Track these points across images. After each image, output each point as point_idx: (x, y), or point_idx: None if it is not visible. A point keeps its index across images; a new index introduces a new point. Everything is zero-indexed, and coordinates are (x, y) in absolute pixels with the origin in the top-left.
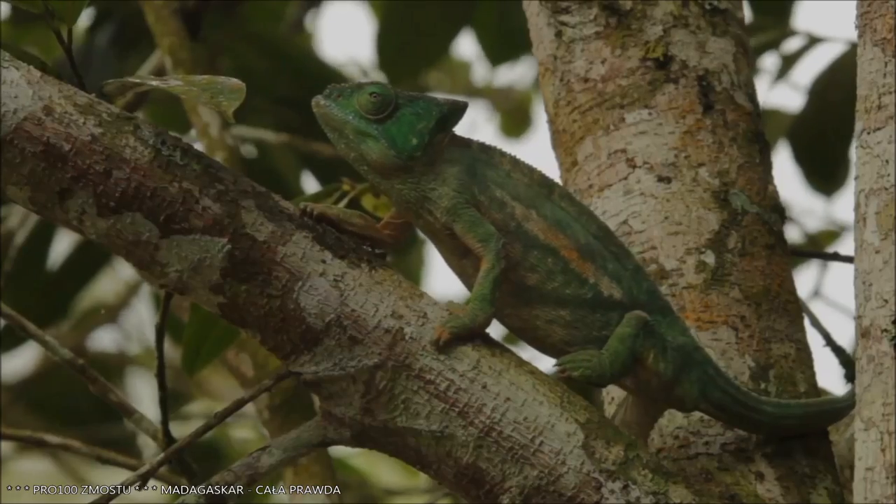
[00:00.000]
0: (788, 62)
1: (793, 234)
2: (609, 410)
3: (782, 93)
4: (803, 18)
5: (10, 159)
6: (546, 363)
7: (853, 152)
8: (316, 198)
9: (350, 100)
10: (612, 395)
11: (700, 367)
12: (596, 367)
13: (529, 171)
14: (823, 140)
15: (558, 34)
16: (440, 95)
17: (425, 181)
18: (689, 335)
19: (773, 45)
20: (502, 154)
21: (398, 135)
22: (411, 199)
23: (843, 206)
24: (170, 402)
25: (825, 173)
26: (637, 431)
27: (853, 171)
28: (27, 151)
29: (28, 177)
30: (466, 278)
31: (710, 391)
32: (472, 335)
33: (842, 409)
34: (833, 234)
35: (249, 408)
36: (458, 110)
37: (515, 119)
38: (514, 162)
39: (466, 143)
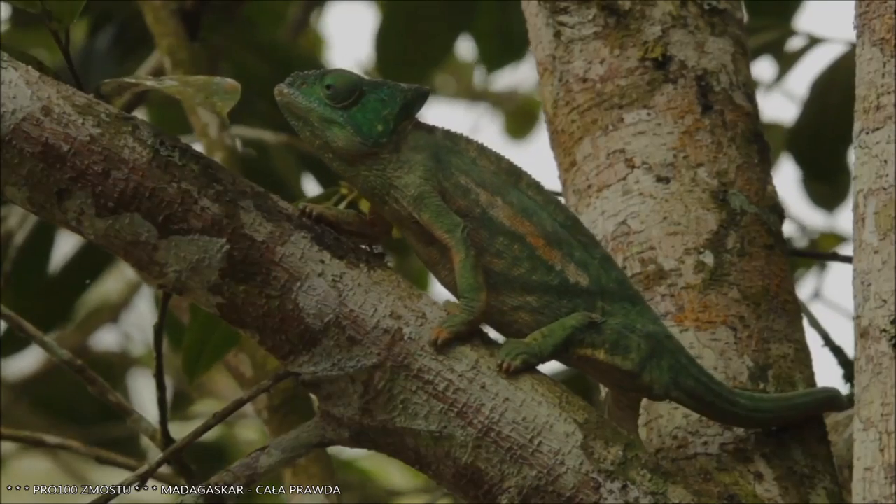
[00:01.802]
0: (788, 63)
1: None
2: None
3: (777, 102)
4: (802, 20)
5: (8, 160)
6: None
7: (852, 155)
8: (314, 202)
9: (314, 87)
10: None
11: (672, 355)
12: (528, 350)
13: (497, 159)
14: (823, 142)
15: (557, 34)
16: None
17: (391, 168)
18: (659, 324)
19: (774, 45)
20: (468, 141)
21: (364, 121)
22: (377, 186)
23: (846, 218)
24: (173, 403)
25: (825, 177)
26: (624, 427)
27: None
28: (26, 152)
29: (27, 177)
30: (433, 266)
31: (683, 379)
32: (472, 328)
33: (816, 401)
34: (835, 238)
35: (252, 408)
36: (421, 96)
37: (519, 120)
38: (481, 149)
39: (430, 130)
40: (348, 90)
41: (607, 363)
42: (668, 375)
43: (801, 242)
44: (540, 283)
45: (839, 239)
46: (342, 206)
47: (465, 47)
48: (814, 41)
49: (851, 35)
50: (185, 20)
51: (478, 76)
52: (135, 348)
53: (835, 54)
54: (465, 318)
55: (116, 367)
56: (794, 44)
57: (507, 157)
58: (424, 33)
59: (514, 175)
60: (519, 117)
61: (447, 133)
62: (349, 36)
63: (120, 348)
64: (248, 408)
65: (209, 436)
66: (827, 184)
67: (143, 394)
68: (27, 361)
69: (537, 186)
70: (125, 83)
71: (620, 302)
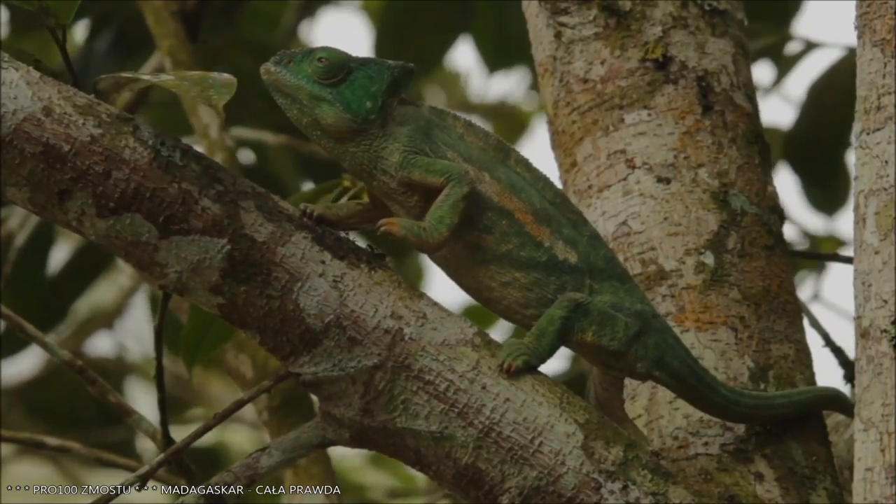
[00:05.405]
0: (785, 67)
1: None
2: None
3: (774, 105)
4: (799, 24)
5: (9, 160)
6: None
7: (851, 158)
8: (316, 194)
9: (301, 65)
10: None
11: (659, 334)
12: (529, 351)
13: (485, 136)
14: (820, 147)
15: (557, 35)
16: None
17: (378, 143)
18: (647, 302)
19: (772, 49)
20: (456, 118)
21: (353, 98)
22: (365, 161)
23: (846, 221)
24: (169, 406)
25: (822, 182)
26: (608, 407)
27: (852, 183)
28: (26, 152)
29: (27, 178)
30: None
31: (669, 359)
32: (422, 246)
33: (801, 402)
34: (836, 242)
35: (247, 411)
36: (408, 72)
37: (509, 131)
38: (469, 126)
39: (417, 106)
40: (336, 67)
41: (595, 344)
42: (654, 354)
43: (801, 247)
44: (528, 260)
45: (839, 243)
46: (345, 199)
47: (457, 57)
48: (811, 46)
49: (848, 40)
50: (186, 22)
51: (469, 87)
52: (129, 355)
53: (832, 59)
54: (420, 233)
55: (111, 373)
56: (791, 48)
57: (495, 135)
58: (420, 39)
59: (503, 152)
60: (509, 128)
61: (434, 109)
62: (340, 43)
63: (114, 355)
64: (242, 412)
65: (204, 440)
66: (824, 189)
67: (139, 400)
68: (23, 366)
69: (526, 164)
70: (122, 78)
71: (609, 280)
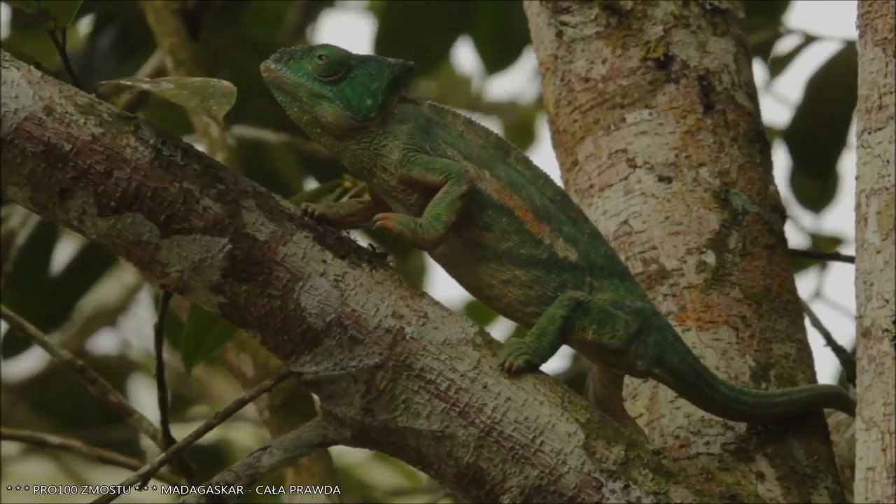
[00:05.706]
0: (779, 65)
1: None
2: None
3: (769, 105)
4: (797, 18)
5: (10, 159)
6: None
7: (846, 157)
8: (316, 194)
9: (302, 63)
10: None
11: (658, 331)
12: (530, 350)
13: (485, 134)
14: (816, 141)
15: (559, 34)
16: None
17: (378, 141)
18: (647, 300)
19: (767, 46)
20: (455, 115)
21: (353, 96)
22: (365, 159)
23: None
24: (171, 405)
25: (817, 175)
26: (608, 404)
27: (842, 182)
28: (28, 151)
29: (28, 177)
30: None
31: (669, 357)
32: (416, 242)
33: (801, 400)
34: (834, 241)
35: (250, 409)
36: (408, 70)
37: (518, 133)
38: (468, 123)
39: (417, 103)
40: (337, 65)
41: (595, 342)
42: (654, 352)
43: (795, 241)
44: (529, 257)
45: (839, 241)
46: (345, 199)
47: (465, 58)
48: (809, 39)
49: (846, 32)
50: (187, 20)
51: (478, 88)
52: (134, 353)
53: (830, 52)
54: (416, 229)
55: (115, 371)
56: (788, 43)
57: (496, 133)
58: (422, 39)
59: (503, 149)
60: (518, 129)
61: (434, 107)
62: (346, 44)
63: (118, 352)
64: (245, 410)
65: (208, 438)
66: (816, 184)
67: (143, 399)
68: (27, 364)
69: (526, 161)
70: (122, 84)
71: (609, 278)
